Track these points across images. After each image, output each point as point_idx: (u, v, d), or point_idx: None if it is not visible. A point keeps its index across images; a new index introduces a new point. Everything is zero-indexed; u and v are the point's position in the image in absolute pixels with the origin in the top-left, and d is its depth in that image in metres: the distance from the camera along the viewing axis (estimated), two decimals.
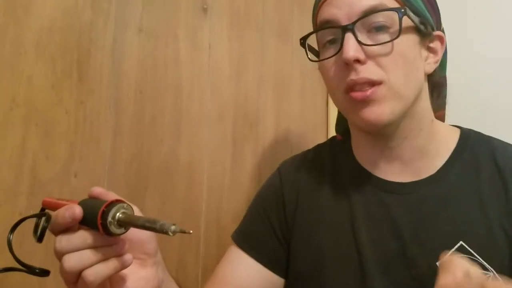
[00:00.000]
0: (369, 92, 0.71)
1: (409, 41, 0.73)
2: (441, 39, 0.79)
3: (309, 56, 0.80)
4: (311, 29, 0.84)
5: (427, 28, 0.75)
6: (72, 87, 0.84)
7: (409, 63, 0.73)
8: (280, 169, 0.93)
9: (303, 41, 0.80)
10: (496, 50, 1.17)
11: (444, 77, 0.86)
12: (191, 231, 0.50)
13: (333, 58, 0.75)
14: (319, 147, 0.95)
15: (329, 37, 0.76)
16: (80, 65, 0.85)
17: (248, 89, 1.15)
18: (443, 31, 0.83)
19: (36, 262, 0.59)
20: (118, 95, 0.90)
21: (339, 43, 0.72)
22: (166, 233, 0.49)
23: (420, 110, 0.78)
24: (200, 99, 1.05)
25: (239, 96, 1.13)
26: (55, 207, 0.59)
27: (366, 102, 0.72)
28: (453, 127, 0.85)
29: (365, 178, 0.83)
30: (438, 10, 0.81)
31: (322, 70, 0.79)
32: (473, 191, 0.76)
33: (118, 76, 0.91)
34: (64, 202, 0.59)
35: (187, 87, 1.02)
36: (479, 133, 0.84)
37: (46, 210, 0.61)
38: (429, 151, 0.80)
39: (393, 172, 0.81)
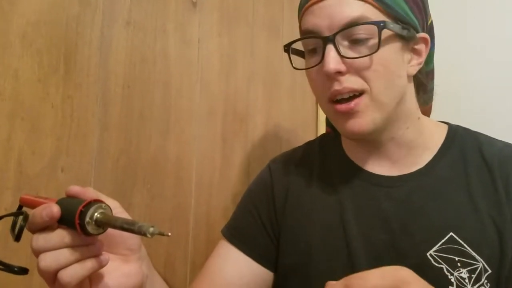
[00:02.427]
0: (352, 104, 0.73)
1: (390, 50, 0.74)
2: (426, 41, 0.79)
3: (293, 64, 0.81)
4: None
5: (411, 31, 0.75)
6: (59, 81, 0.83)
7: (390, 72, 0.74)
8: (270, 165, 0.94)
9: (286, 48, 0.82)
10: (489, 49, 1.18)
11: (431, 71, 0.86)
12: (170, 234, 0.49)
13: (316, 67, 0.76)
14: (309, 144, 0.96)
15: (312, 46, 0.77)
16: (67, 59, 0.84)
17: (237, 85, 1.15)
18: (431, 26, 0.83)
19: (22, 259, 0.58)
20: (106, 90, 0.89)
21: (321, 53, 0.74)
22: (144, 235, 0.49)
23: (405, 111, 0.80)
24: (189, 94, 1.04)
25: (228, 92, 1.13)
26: (32, 205, 0.59)
27: (350, 114, 0.74)
28: (441, 123, 0.87)
29: (354, 172, 0.84)
30: (425, 8, 0.80)
31: (307, 76, 0.81)
32: (461, 183, 0.77)
33: (106, 71, 0.90)
34: (42, 200, 0.59)
35: (176, 82, 1.01)
36: (466, 128, 0.85)
37: (24, 209, 0.60)
38: (417, 146, 0.81)
39: (382, 166, 0.82)
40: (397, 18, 0.74)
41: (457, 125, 0.86)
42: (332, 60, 0.71)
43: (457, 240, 0.73)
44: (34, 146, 0.80)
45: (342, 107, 0.74)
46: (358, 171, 0.84)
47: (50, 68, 0.82)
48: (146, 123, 0.96)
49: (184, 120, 1.02)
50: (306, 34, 0.77)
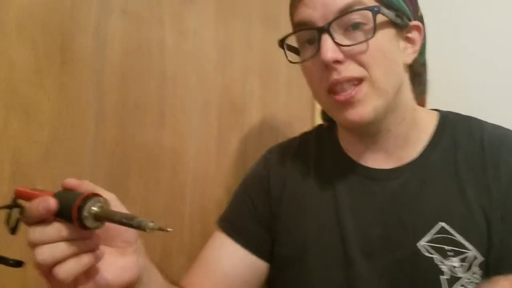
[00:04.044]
0: (353, 92, 0.73)
1: (385, 36, 0.74)
2: (419, 29, 0.80)
3: (288, 58, 0.81)
4: None
5: (403, 20, 0.76)
6: (55, 71, 0.82)
7: (388, 58, 0.75)
8: (266, 157, 0.95)
9: (281, 42, 0.81)
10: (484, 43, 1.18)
11: (424, 63, 0.87)
12: (170, 229, 0.49)
13: (312, 59, 0.76)
14: (305, 134, 0.96)
15: (307, 37, 0.77)
16: (63, 49, 0.83)
17: (234, 76, 1.14)
18: (421, 17, 0.83)
19: (16, 251, 0.58)
20: (102, 80, 0.89)
21: (317, 44, 0.73)
22: (143, 230, 0.49)
23: (403, 101, 0.80)
24: (185, 85, 1.03)
25: (225, 83, 1.12)
26: (28, 198, 0.58)
27: (350, 103, 0.74)
28: (432, 111, 0.87)
29: (349, 166, 0.84)
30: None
31: (303, 70, 0.81)
32: (451, 172, 0.78)
33: (102, 61, 0.89)
34: (37, 192, 0.58)
35: (171, 73, 1.01)
36: (457, 113, 0.85)
37: (19, 201, 0.59)
38: (411, 138, 0.82)
39: (377, 160, 0.83)
40: (389, 6, 0.74)
41: (448, 111, 0.86)
42: (329, 49, 0.71)
43: (448, 230, 0.74)
44: (30, 136, 0.79)
45: (341, 97, 0.73)
46: (353, 166, 0.84)
47: (46, 58, 0.81)
48: (142, 114, 0.95)
49: (179, 111, 1.02)
50: (300, 26, 0.77)
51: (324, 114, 0.95)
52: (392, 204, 0.78)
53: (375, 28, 0.71)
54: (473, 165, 0.77)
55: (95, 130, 0.87)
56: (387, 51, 0.75)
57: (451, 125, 0.82)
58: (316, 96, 0.81)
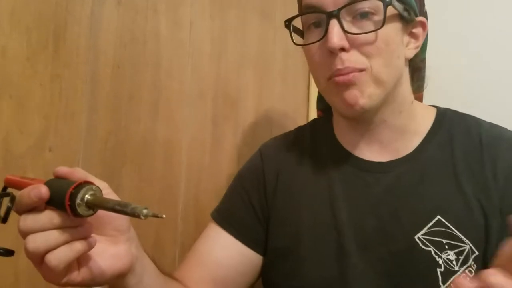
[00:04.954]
0: (351, 75, 0.72)
1: (392, 29, 0.75)
2: (423, 25, 0.80)
3: (294, 40, 0.80)
4: (295, 8, 0.83)
5: (411, 14, 0.76)
6: (47, 59, 0.82)
7: (391, 51, 0.75)
8: (261, 150, 0.95)
9: (287, 23, 0.80)
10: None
11: (424, 60, 0.87)
12: (164, 216, 0.48)
13: (318, 43, 0.75)
14: (300, 129, 0.96)
15: (314, 20, 0.76)
16: (56, 37, 0.83)
17: (229, 68, 1.14)
18: (426, 13, 0.83)
19: (7, 240, 0.58)
20: (95, 70, 0.88)
21: (324, 28, 0.73)
22: (138, 216, 0.48)
23: (401, 94, 0.80)
24: (179, 76, 1.03)
25: (219, 75, 1.12)
26: (18, 186, 0.58)
27: (347, 85, 0.73)
28: (430, 106, 0.87)
29: (345, 158, 0.84)
30: None
31: (306, 53, 0.80)
32: (448, 167, 0.78)
33: (96, 50, 0.88)
34: (28, 181, 0.57)
35: (166, 64, 1.00)
36: (455, 111, 0.86)
37: (9, 189, 0.59)
38: (408, 131, 0.82)
39: (372, 152, 0.83)
40: None
41: (446, 108, 0.86)
42: (336, 36, 0.71)
43: (445, 223, 0.74)
44: (22, 125, 0.79)
45: (340, 78, 0.73)
46: (348, 157, 0.84)
47: (38, 46, 0.81)
48: (136, 104, 0.95)
49: (174, 102, 1.02)
50: (309, 8, 0.76)
51: (319, 103, 0.95)
52: (386, 197, 0.78)
53: (385, 19, 0.71)
54: (470, 161, 0.77)
55: (88, 120, 0.87)
56: (391, 43, 0.74)
57: (449, 122, 0.83)
58: (316, 79, 0.81)
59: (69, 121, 0.84)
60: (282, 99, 1.27)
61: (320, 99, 0.94)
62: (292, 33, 0.81)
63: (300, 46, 0.81)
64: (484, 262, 0.72)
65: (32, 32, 0.80)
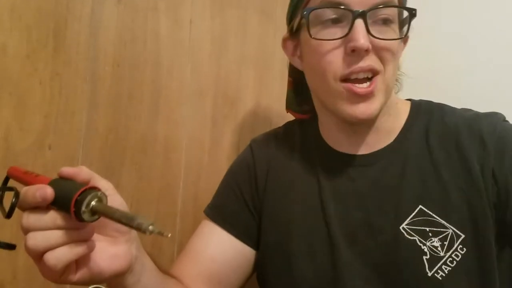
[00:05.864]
0: (371, 87, 0.73)
1: (400, 40, 0.77)
2: (406, 41, 0.82)
3: (311, 32, 0.74)
4: None
5: (408, 30, 0.77)
6: (47, 57, 0.82)
7: (397, 58, 0.78)
8: (252, 145, 0.96)
9: (306, 13, 0.74)
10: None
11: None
12: (170, 234, 0.48)
13: (339, 40, 0.73)
14: (289, 124, 0.98)
15: (333, 16, 0.74)
16: (56, 35, 0.83)
17: (229, 67, 1.14)
18: None
19: (6, 234, 0.58)
20: (95, 68, 0.88)
21: (346, 27, 0.72)
22: (143, 232, 0.47)
23: (392, 97, 0.82)
24: (179, 75, 1.03)
25: (219, 74, 1.12)
26: (21, 180, 0.58)
27: (366, 97, 0.74)
28: (405, 100, 0.88)
29: (331, 154, 0.86)
30: None
31: (317, 48, 0.75)
32: (425, 156, 0.79)
33: (96, 48, 0.88)
34: (32, 177, 0.57)
35: (166, 63, 1.00)
36: (429, 101, 0.87)
37: (10, 184, 0.59)
38: (393, 131, 0.83)
39: (356, 147, 0.84)
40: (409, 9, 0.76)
41: (420, 99, 0.87)
42: (364, 36, 0.71)
43: (426, 212, 0.75)
44: (21, 123, 0.79)
45: (362, 90, 0.73)
46: (334, 154, 0.85)
47: (39, 44, 0.81)
48: (135, 102, 0.95)
49: (173, 101, 1.02)
50: (332, 3, 0.73)
51: (289, 103, 0.97)
52: (371, 190, 0.80)
53: (409, 29, 0.74)
54: (447, 149, 0.78)
55: (88, 118, 0.87)
56: (398, 54, 0.77)
57: (424, 112, 0.84)
58: (321, 78, 0.77)
59: (69, 119, 0.85)
60: (281, 98, 1.26)
61: (299, 102, 0.94)
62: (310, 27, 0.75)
63: (298, 41, 0.81)
64: (476, 244, 0.72)
65: (32, 30, 0.80)
